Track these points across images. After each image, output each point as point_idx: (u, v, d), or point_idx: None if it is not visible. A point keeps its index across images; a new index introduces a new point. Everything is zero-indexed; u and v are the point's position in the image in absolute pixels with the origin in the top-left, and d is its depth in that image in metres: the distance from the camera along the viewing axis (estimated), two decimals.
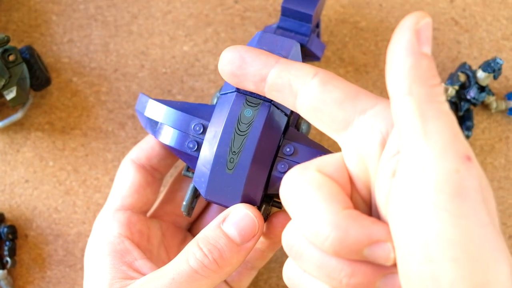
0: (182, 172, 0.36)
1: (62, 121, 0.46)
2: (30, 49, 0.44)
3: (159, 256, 0.38)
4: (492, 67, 0.44)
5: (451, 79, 0.45)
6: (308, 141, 0.34)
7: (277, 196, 0.35)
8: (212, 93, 0.46)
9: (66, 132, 0.45)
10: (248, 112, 0.32)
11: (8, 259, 0.43)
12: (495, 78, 0.44)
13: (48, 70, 0.45)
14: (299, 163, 0.32)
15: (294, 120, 0.35)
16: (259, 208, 0.34)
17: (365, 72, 0.46)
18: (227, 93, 0.33)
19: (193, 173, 0.36)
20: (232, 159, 0.32)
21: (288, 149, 0.33)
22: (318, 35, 0.41)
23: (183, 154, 0.34)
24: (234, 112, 0.32)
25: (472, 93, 0.44)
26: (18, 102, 0.43)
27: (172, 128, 0.34)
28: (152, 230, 0.38)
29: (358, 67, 0.46)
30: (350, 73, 0.46)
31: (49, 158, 0.45)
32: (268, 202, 0.35)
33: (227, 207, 0.33)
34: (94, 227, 0.38)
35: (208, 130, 0.33)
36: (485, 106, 0.46)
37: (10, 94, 0.42)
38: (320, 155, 0.31)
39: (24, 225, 0.45)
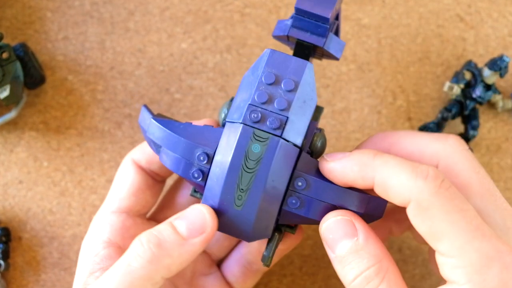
0: (190, 192, 0.35)
1: (57, 120, 0.45)
2: (24, 46, 0.43)
3: None
4: (499, 65, 0.43)
5: (456, 77, 0.45)
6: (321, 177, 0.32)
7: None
8: (211, 92, 0.46)
9: (61, 131, 0.45)
10: (256, 148, 0.31)
11: (2, 262, 0.43)
12: (501, 76, 0.44)
13: (42, 68, 0.45)
14: (311, 197, 0.31)
15: (307, 141, 0.34)
16: (270, 239, 0.33)
17: (368, 70, 0.46)
18: (234, 122, 0.32)
19: (201, 194, 0.35)
20: (240, 196, 0.31)
21: (300, 183, 0.31)
22: (337, 29, 0.39)
23: (188, 180, 0.33)
24: (241, 147, 0.31)
25: (478, 92, 0.44)
26: (11, 101, 0.43)
27: (176, 154, 0.33)
28: None
29: (360, 65, 0.46)
30: (352, 71, 0.46)
31: (43, 158, 0.45)
32: (279, 230, 0.34)
33: (239, 238, 0.33)
34: (90, 227, 0.38)
35: (214, 163, 0.31)
36: (491, 105, 0.46)
37: (4, 93, 0.42)
38: (333, 188, 0.31)
39: (18, 227, 0.44)
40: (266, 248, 0.33)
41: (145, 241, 0.31)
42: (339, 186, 0.32)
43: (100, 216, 0.37)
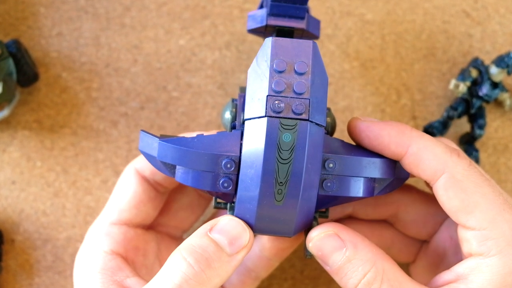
0: (213, 204, 0.35)
1: (51, 119, 0.45)
2: (16, 43, 0.43)
3: (153, 270, 0.38)
4: (506, 62, 0.43)
5: (462, 75, 0.45)
6: (344, 146, 0.33)
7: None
8: (209, 89, 0.46)
9: (55, 130, 0.45)
10: (287, 137, 0.31)
11: None
12: (509, 73, 0.44)
13: (36, 65, 0.45)
14: (345, 175, 0.32)
15: None
16: (308, 229, 0.34)
17: (372, 68, 0.46)
18: (254, 118, 0.31)
19: (226, 203, 0.34)
20: (280, 190, 0.31)
21: (331, 165, 0.32)
22: (308, 11, 0.39)
23: (214, 193, 0.33)
24: (271, 140, 0.30)
25: (484, 90, 0.44)
26: (4, 99, 0.43)
27: (199, 170, 0.32)
28: (149, 244, 0.38)
29: (363, 62, 0.46)
30: (355, 69, 0.46)
31: (37, 158, 0.45)
32: (314, 218, 0.34)
33: (279, 236, 0.33)
34: (87, 238, 0.37)
35: (243, 164, 0.31)
36: (499, 104, 0.46)
37: None
38: (364, 160, 0.32)
39: (11, 229, 0.44)
40: (306, 247, 0.34)
41: (193, 261, 0.31)
42: (367, 157, 0.32)
43: (99, 227, 0.37)
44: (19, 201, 0.45)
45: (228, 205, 0.34)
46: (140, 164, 0.37)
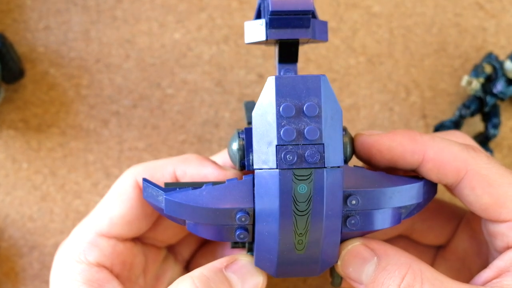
0: (230, 246, 0.35)
1: (38, 118, 0.45)
2: (1, 37, 0.43)
3: (137, 284, 0.37)
4: None
5: (475, 71, 0.45)
6: (365, 176, 0.32)
7: None
8: (206, 87, 0.46)
9: (42, 130, 0.45)
10: (303, 188, 0.30)
11: None
12: None
13: (21, 60, 0.45)
14: (368, 210, 0.31)
15: None
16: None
17: (379, 63, 0.46)
18: (264, 169, 0.31)
19: (243, 244, 0.35)
20: (300, 241, 0.31)
21: (354, 202, 0.31)
22: (313, 14, 0.37)
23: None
24: (286, 193, 0.30)
25: (499, 87, 0.44)
26: None
27: (213, 225, 0.32)
28: (137, 258, 0.37)
29: (370, 58, 0.46)
30: (361, 64, 0.46)
31: (23, 159, 0.45)
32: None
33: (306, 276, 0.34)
34: (70, 244, 0.36)
35: (258, 217, 0.31)
36: None
37: None
38: (387, 191, 0.31)
39: None
40: (333, 274, 0.34)
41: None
42: (391, 187, 0.32)
43: (85, 235, 0.36)
44: (4, 205, 0.45)
45: (247, 244, 0.34)
46: (141, 177, 0.36)
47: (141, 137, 0.45)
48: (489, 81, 0.44)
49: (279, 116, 0.30)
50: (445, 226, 0.39)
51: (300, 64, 0.45)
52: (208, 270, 0.32)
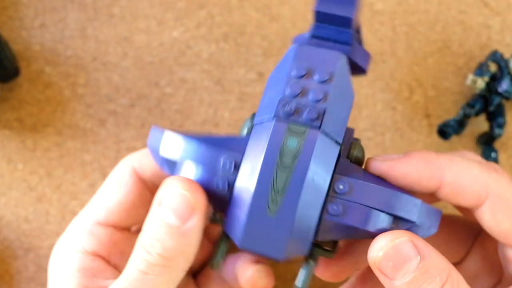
0: (210, 217, 0.34)
1: (33, 117, 0.45)
2: None
3: None
4: None
5: (480, 69, 0.45)
6: (365, 175, 0.32)
7: (326, 243, 0.33)
8: (205, 85, 0.46)
9: (37, 130, 0.45)
10: (293, 143, 0.30)
11: None
12: None
13: (16, 59, 0.45)
14: (356, 202, 0.30)
15: (345, 148, 0.33)
16: (303, 265, 0.32)
17: (382, 62, 0.46)
18: (263, 122, 0.31)
19: (222, 220, 0.34)
20: (274, 200, 0.30)
21: (341, 186, 0.30)
22: (360, 43, 0.39)
23: (210, 197, 0.32)
24: (274, 143, 0.30)
25: (504, 85, 0.44)
26: None
27: (196, 164, 0.32)
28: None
29: (373, 56, 0.46)
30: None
31: (18, 160, 0.45)
32: (314, 256, 0.32)
33: (267, 257, 0.31)
34: (68, 233, 0.36)
35: (243, 165, 0.30)
36: None
37: None
38: (382, 191, 0.30)
39: None
40: (299, 276, 0.32)
41: (149, 246, 0.32)
42: (387, 188, 0.31)
43: (82, 223, 0.36)
44: None
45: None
46: (139, 162, 0.36)
47: (138, 136, 0.45)
48: (494, 79, 0.44)
49: (289, 76, 0.32)
50: (460, 244, 0.38)
51: None
52: (148, 221, 0.32)
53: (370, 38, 0.46)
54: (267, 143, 0.30)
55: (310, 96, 0.31)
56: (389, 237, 0.30)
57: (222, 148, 0.31)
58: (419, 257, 0.30)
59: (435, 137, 0.44)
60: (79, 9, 0.46)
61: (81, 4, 0.46)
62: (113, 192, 0.36)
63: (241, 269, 0.38)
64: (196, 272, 0.41)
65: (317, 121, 0.30)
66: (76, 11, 0.46)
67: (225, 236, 0.33)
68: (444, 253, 0.36)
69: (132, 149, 0.45)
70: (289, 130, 0.30)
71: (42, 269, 0.44)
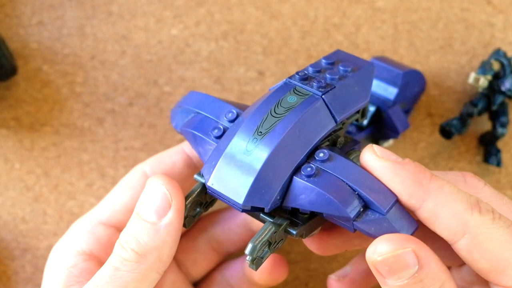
0: (195, 175, 0.35)
1: (30, 116, 0.45)
2: None
3: None
4: None
5: (483, 68, 0.44)
6: (355, 165, 0.32)
7: (294, 212, 0.32)
8: (205, 84, 0.46)
9: (35, 129, 0.45)
10: (292, 99, 0.32)
11: None
12: None
13: (14, 57, 0.45)
14: (329, 172, 0.31)
15: (344, 147, 0.35)
16: (276, 226, 0.32)
17: None
18: (276, 86, 0.34)
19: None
20: (255, 140, 0.31)
21: (321, 154, 0.31)
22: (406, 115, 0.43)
23: (204, 147, 0.34)
24: (276, 96, 0.32)
25: (507, 84, 0.44)
26: None
27: (203, 115, 0.35)
28: None
29: (374, 54, 0.46)
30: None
31: (15, 159, 0.45)
32: (276, 224, 0.32)
33: (230, 203, 0.31)
34: (69, 231, 0.37)
35: (242, 115, 0.33)
36: None
37: None
38: (358, 170, 0.30)
39: None
40: (254, 236, 0.31)
41: (124, 242, 0.33)
42: (365, 170, 0.31)
43: (85, 222, 0.37)
44: None
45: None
46: (151, 166, 0.37)
47: (137, 136, 0.45)
48: (497, 78, 0.44)
49: (318, 62, 0.35)
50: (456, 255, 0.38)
51: (301, 61, 0.45)
52: (130, 220, 0.34)
53: (372, 36, 0.46)
54: (270, 94, 0.32)
55: (327, 74, 0.33)
56: (393, 245, 0.30)
57: (230, 105, 0.34)
58: (417, 266, 0.30)
59: (438, 136, 0.44)
60: (77, 7, 0.46)
61: (79, 2, 0.46)
62: (120, 193, 0.37)
63: None
64: (198, 282, 0.41)
65: (322, 90, 0.32)
66: (74, 9, 0.46)
67: (202, 186, 0.34)
68: (446, 255, 0.36)
69: (130, 148, 0.45)
70: (295, 90, 0.32)
71: (39, 270, 0.44)
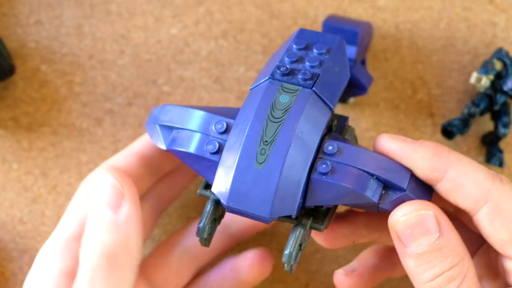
0: (198, 191, 0.34)
1: (28, 116, 0.45)
2: None
3: None
4: None
5: (485, 67, 0.44)
6: (358, 146, 0.32)
7: (316, 209, 0.33)
8: (204, 84, 0.46)
9: (33, 129, 0.45)
10: (284, 98, 0.32)
11: None
12: None
13: (11, 56, 0.45)
14: (344, 164, 0.31)
15: (338, 127, 0.35)
16: (292, 233, 0.32)
17: (384, 60, 0.46)
18: (259, 83, 0.33)
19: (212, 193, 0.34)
20: (263, 150, 0.30)
21: (330, 147, 0.31)
22: (362, 61, 0.42)
23: (201, 164, 0.32)
24: (267, 98, 0.32)
25: (509, 84, 0.43)
26: None
27: (189, 131, 0.33)
28: None
29: (376, 53, 0.46)
30: (366, 60, 0.46)
31: (13, 159, 0.45)
32: (303, 225, 0.32)
33: (254, 218, 0.31)
34: (38, 258, 0.36)
35: (234, 124, 0.32)
36: None
37: None
38: (370, 154, 0.31)
39: None
40: (287, 243, 0.32)
41: (90, 251, 0.32)
42: (378, 154, 0.32)
43: (54, 243, 0.35)
44: None
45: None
46: (100, 172, 0.36)
47: (136, 136, 0.45)
48: (499, 78, 0.44)
49: (290, 47, 0.34)
50: (466, 245, 0.38)
51: None
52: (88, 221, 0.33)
53: (373, 35, 0.46)
54: (260, 98, 0.32)
55: (306, 62, 0.33)
56: (416, 206, 0.30)
57: (216, 115, 0.33)
58: (438, 233, 0.30)
59: (439, 136, 0.44)
60: (75, 6, 0.46)
61: (77, 1, 0.46)
62: (79, 206, 0.36)
63: (239, 260, 0.39)
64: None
65: (310, 81, 0.32)
66: (72, 8, 0.46)
67: (214, 203, 0.33)
68: None
69: None
70: (283, 87, 0.32)
71: None
